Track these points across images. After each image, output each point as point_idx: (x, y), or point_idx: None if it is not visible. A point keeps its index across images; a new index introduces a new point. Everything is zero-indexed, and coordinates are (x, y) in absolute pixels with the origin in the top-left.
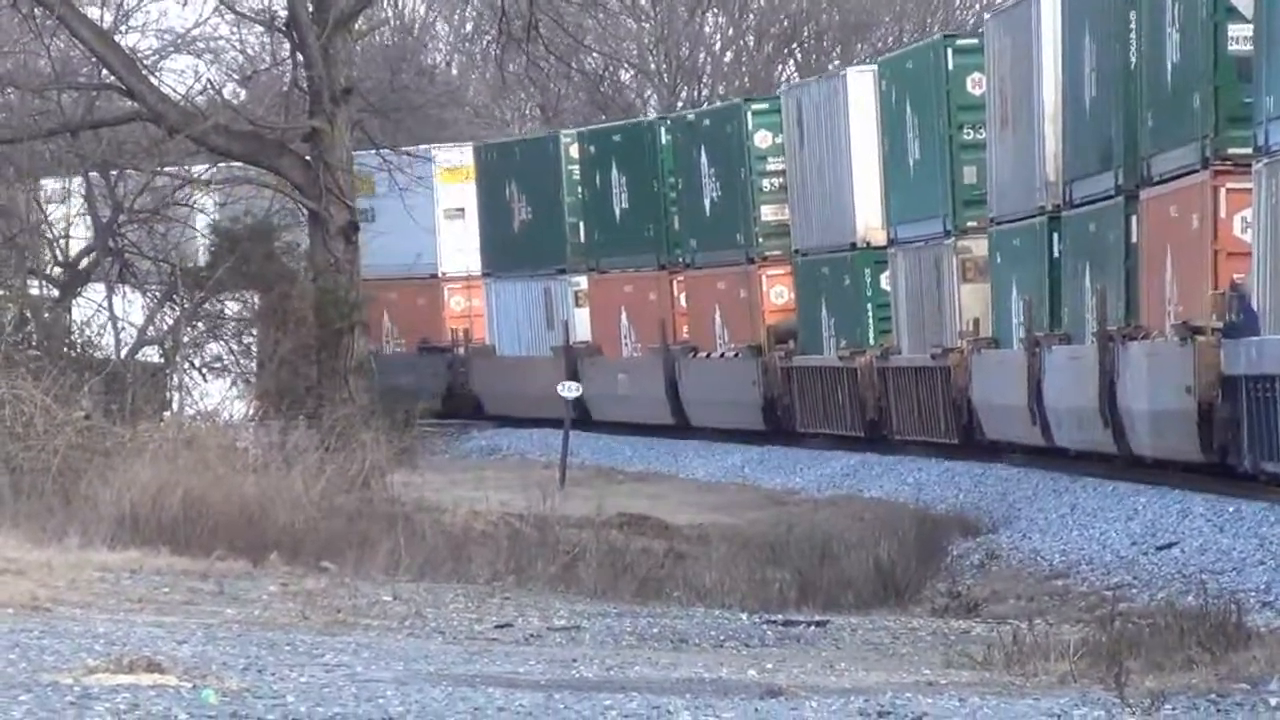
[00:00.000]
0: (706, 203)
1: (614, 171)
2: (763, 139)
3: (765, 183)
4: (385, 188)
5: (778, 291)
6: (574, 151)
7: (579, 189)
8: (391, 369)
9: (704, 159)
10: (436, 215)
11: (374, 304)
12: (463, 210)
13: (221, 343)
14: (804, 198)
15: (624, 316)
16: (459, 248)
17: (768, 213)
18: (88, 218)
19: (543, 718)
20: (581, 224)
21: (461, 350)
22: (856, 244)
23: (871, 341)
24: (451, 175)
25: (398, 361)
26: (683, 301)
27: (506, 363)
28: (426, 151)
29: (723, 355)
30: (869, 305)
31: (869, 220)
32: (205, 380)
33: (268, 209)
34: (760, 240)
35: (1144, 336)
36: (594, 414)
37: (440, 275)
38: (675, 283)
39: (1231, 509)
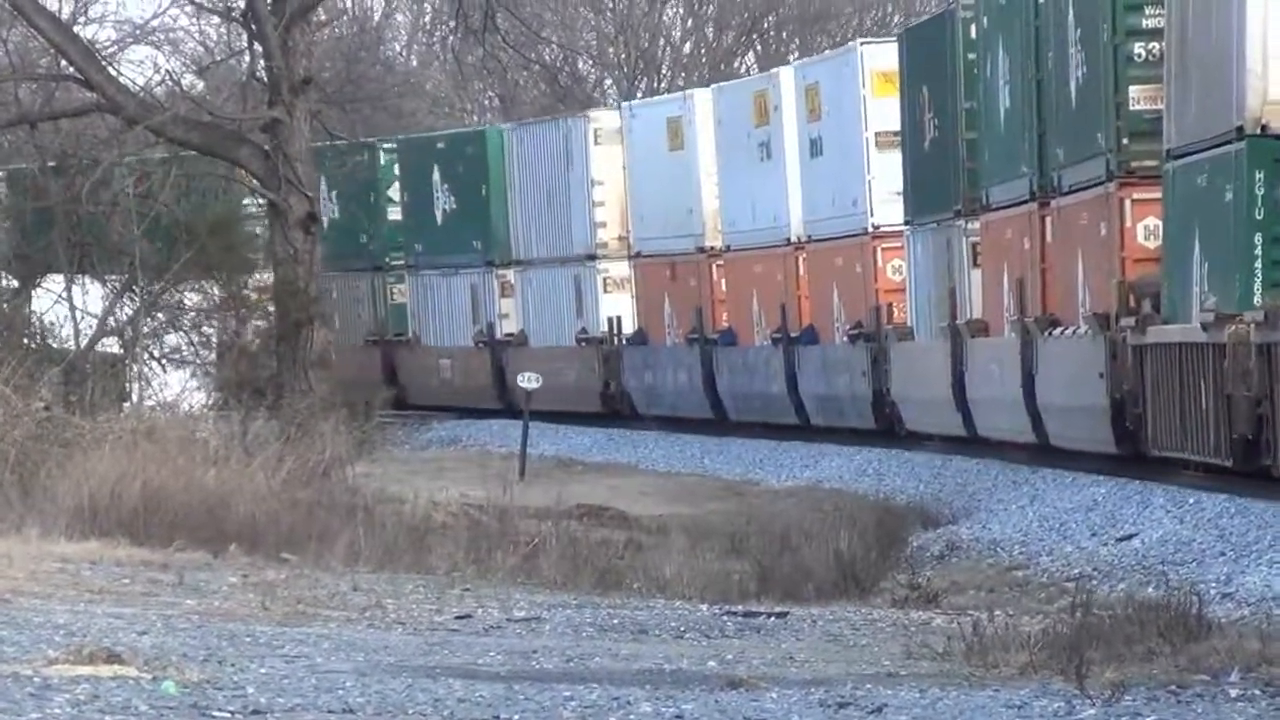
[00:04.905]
0: (1072, 89)
1: (1001, 57)
2: None
3: (1137, 49)
4: (831, 108)
5: (1148, 226)
6: (973, 32)
7: (976, 90)
8: (831, 365)
9: (1070, 20)
10: (867, 143)
11: (819, 274)
12: (900, 135)
13: (181, 333)
14: (1183, 65)
15: (1005, 277)
16: (898, 190)
17: (1138, 96)
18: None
19: (503, 709)
20: (974, 143)
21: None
22: (1244, 129)
23: (1258, 298)
24: (887, 84)
25: (835, 356)
26: (1052, 249)
27: (916, 352)
28: (854, 47)
29: (1074, 331)
30: (1258, 236)
31: (1270, 89)
32: (165, 371)
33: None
34: (1126, 143)
35: None
36: (979, 425)
37: (871, 230)
38: (1047, 221)
39: (1192, 500)
